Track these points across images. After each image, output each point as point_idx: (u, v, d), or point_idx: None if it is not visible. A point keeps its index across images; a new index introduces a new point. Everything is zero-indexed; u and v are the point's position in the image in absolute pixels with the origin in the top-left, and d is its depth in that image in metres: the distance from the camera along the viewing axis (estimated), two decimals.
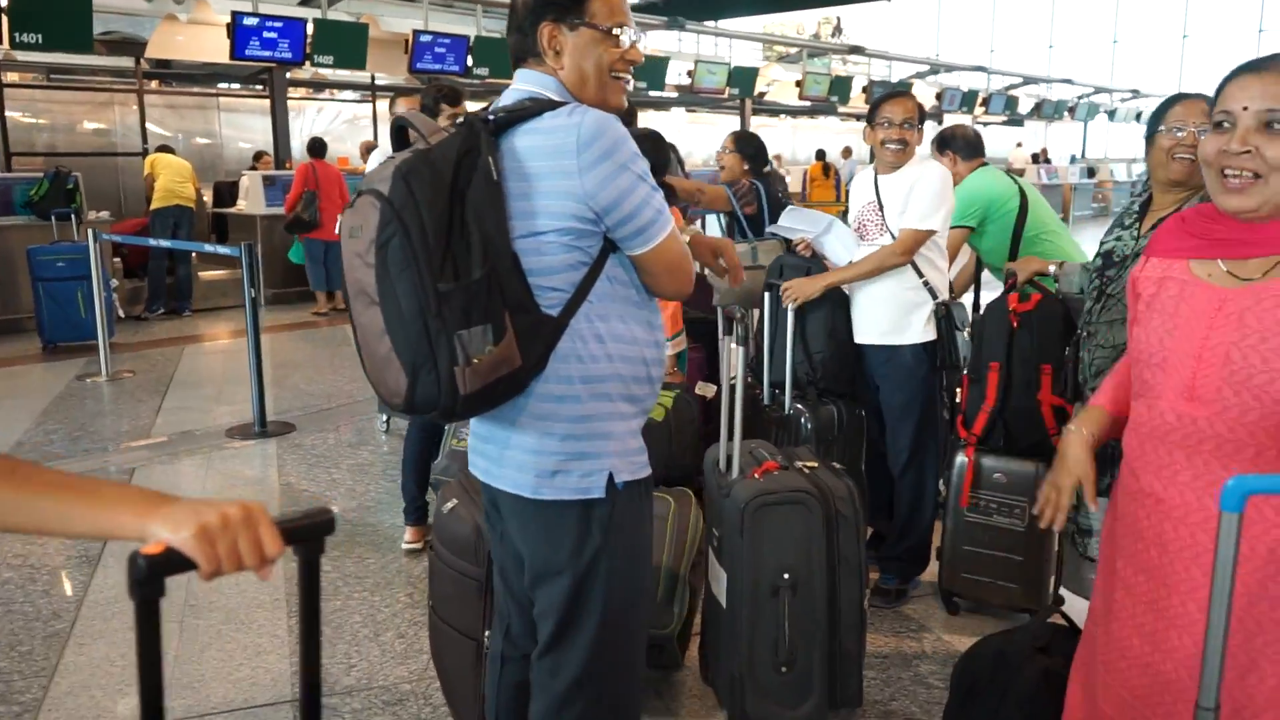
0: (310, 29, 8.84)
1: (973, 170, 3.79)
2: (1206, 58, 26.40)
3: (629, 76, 1.63)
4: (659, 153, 3.22)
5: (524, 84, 1.59)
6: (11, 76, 11.39)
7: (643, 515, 1.61)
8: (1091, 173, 20.88)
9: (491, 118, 1.50)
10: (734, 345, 2.20)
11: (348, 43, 9.14)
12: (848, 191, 9.54)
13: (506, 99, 1.58)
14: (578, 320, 1.50)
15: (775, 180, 4.37)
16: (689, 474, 2.79)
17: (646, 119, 16.85)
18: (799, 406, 3.14)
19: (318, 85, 13.37)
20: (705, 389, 3.42)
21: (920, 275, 3.00)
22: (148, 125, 10.77)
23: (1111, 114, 24.74)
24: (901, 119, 3.02)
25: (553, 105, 1.50)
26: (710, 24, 16.47)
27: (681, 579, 2.48)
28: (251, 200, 9.06)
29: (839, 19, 31.89)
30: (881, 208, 3.09)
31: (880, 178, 3.12)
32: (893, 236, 3.01)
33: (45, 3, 7.31)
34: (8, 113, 9.85)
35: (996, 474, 2.81)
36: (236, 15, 8.36)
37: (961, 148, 3.82)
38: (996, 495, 2.82)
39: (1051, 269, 2.79)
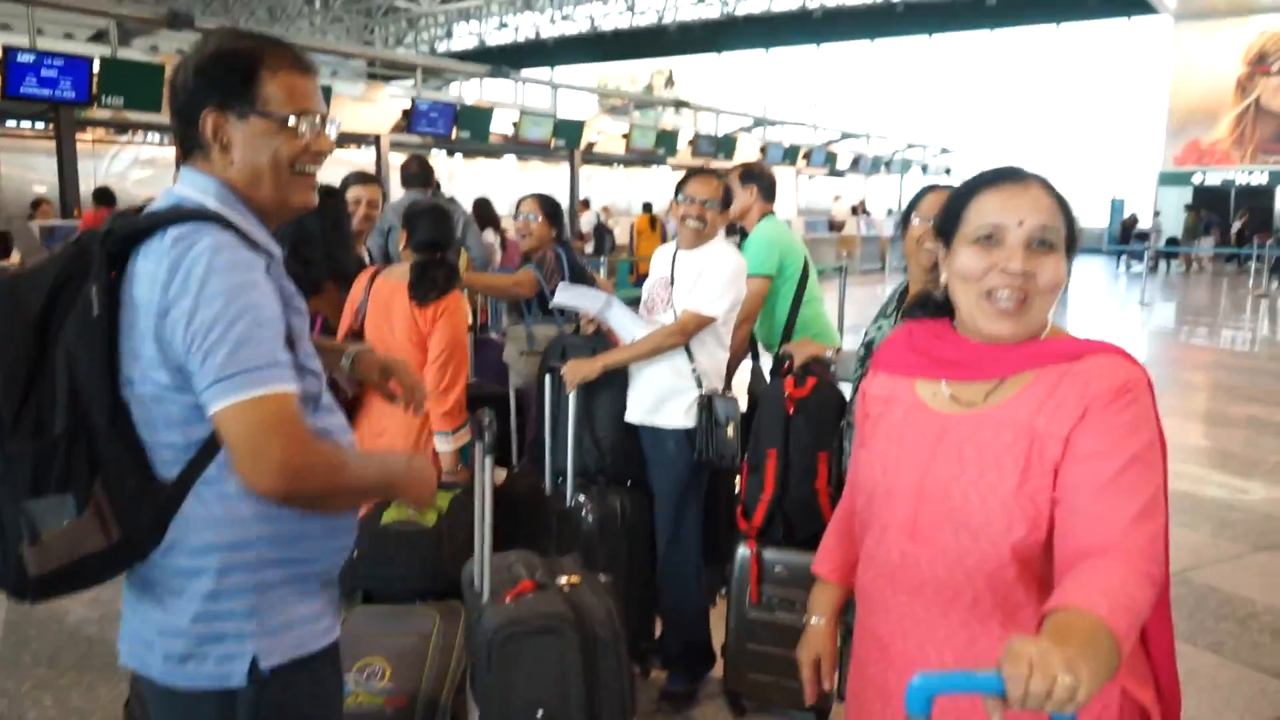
0: (97, 67, 8.22)
1: (765, 214, 3.73)
2: (1006, 118, 28.44)
3: (314, 168, 1.42)
4: (440, 229, 3.02)
5: (181, 186, 1.37)
6: None
7: (314, 700, 1.37)
8: None
9: (109, 232, 1.26)
10: (481, 453, 2.01)
11: (142, 83, 8.54)
12: None
13: (155, 205, 1.34)
14: (208, 480, 1.27)
15: (573, 246, 4.19)
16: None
17: (476, 167, 16.64)
18: (581, 498, 2.98)
19: (119, 126, 12.52)
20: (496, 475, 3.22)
21: (690, 360, 2.91)
22: None
23: (925, 168, 26.19)
24: (704, 198, 2.95)
25: (181, 218, 1.27)
26: (543, 72, 16.44)
27: (442, 708, 2.26)
28: (27, 255, 8.29)
29: (671, 71, 32.70)
30: (672, 283, 3.00)
31: (679, 253, 3.03)
32: (675, 315, 2.92)
33: None
34: None
35: (778, 567, 2.72)
36: (9, 51, 7.68)
37: (765, 186, 3.72)
38: (779, 589, 2.72)
39: (829, 354, 2.75)
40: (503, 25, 33.06)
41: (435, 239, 2.98)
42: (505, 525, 2.39)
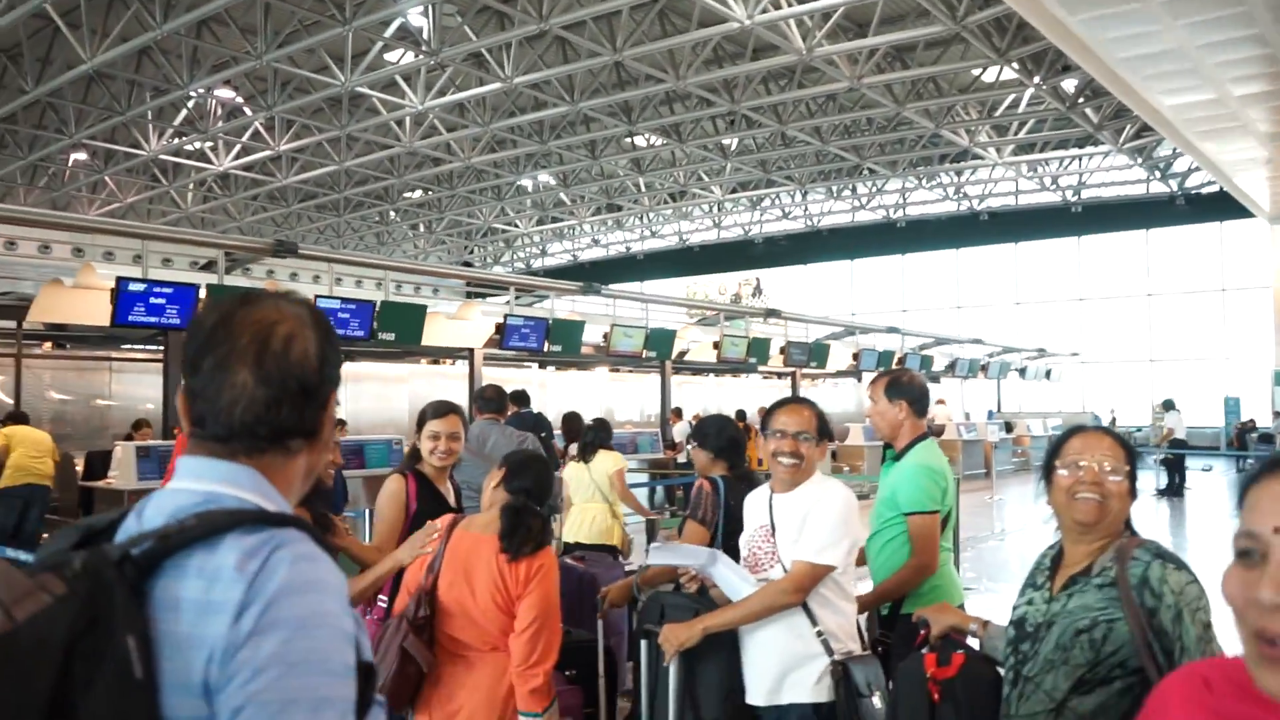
0: (203, 294, 8.45)
1: (919, 435, 3.22)
2: (1101, 319, 27.82)
3: None
4: (543, 480, 2.61)
5: (201, 480, 1.06)
6: None
7: None
8: (1009, 428, 21.14)
9: (125, 559, 0.92)
10: None
11: None
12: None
13: (165, 504, 1.02)
14: None
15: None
16: None
17: (568, 378, 16.70)
18: None
19: None
20: None
21: (814, 622, 2.43)
22: (23, 388, 10.09)
23: (1022, 371, 25.53)
24: (796, 429, 2.58)
25: (239, 522, 0.98)
26: (633, 287, 16.72)
27: None
28: (123, 474, 8.28)
29: (758, 279, 33.34)
30: (774, 533, 2.57)
31: (775, 497, 2.62)
32: (785, 569, 2.48)
33: None
34: None
35: None
36: (121, 281, 7.94)
37: (916, 400, 3.23)
38: None
39: (972, 626, 2.23)
40: (595, 242, 34.45)
41: (533, 488, 2.59)
42: None
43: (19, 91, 16.27)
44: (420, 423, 3.28)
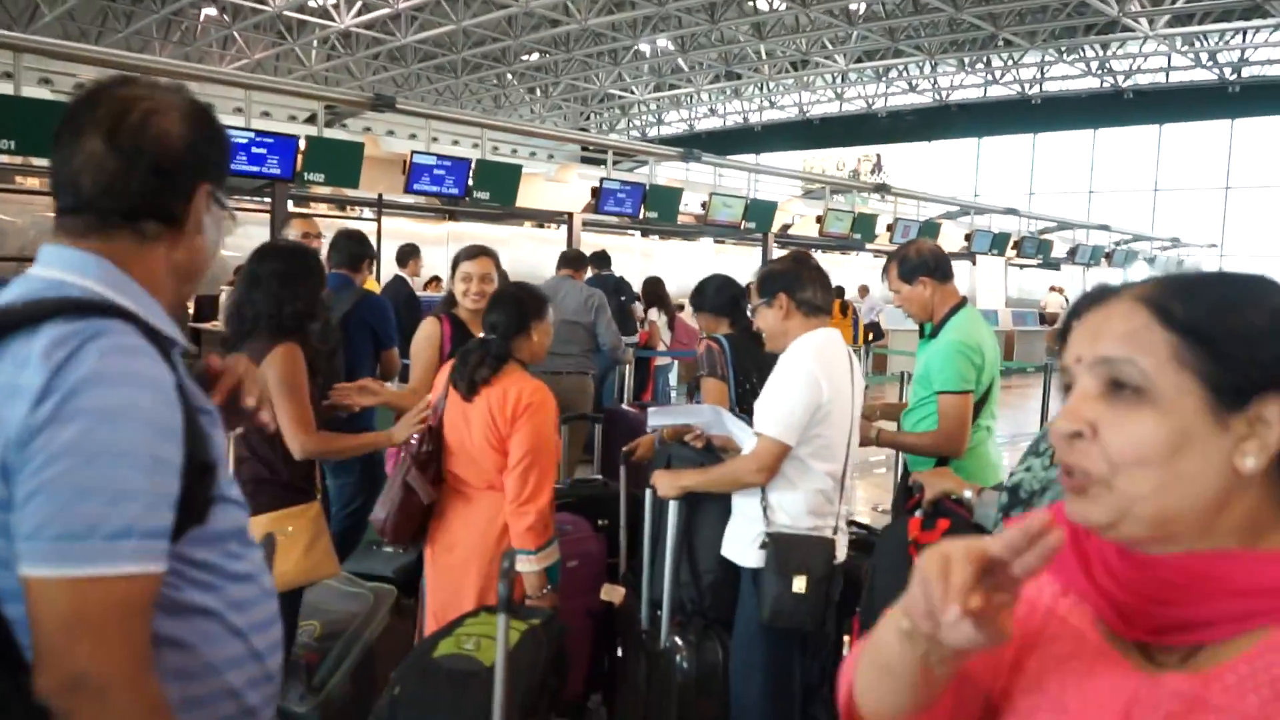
0: (303, 145, 8.66)
1: (954, 304, 3.07)
2: (1248, 209, 25.93)
3: None
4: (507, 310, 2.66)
5: (46, 267, 1.10)
6: (32, 182, 11.46)
7: None
8: None
9: None
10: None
11: (344, 161, 8.95)
12: (866, 330, 8.69)
13: (10, 294, 1.07)
14: None
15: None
16: None
17: (669, 247, 16.63)
18: (677, 640, 2.54)
19: (321, 200, 13.29)
20: (611, 593, 2.83)
21: (762, 492, 2.47)
22: None
23: (1151, 261, 24.18)
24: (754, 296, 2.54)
25: (63, 310, 1.00)
26: (741, 158, 16.34)
27: None
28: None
29: (879, 156, 32.11)
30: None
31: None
32: None
33: (22, 111, 7.19)
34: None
35: None
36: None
37: (935, 267, 3.07)
38: None
39: (968, 494, 2.19)
40: (711, 112, 33.63)
41: (499, 322, 2.61)
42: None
43: None
44: (454, 265, 3.36)
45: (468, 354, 2.59)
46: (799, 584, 2.39)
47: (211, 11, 22.15)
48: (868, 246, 16.80)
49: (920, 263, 3.07)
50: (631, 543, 3.20)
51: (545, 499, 2.48)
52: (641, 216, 11.33)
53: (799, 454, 2.45)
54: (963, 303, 3.11)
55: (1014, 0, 20.29)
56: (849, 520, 2.67)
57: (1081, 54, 25.37)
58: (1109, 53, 25.28)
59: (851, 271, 17.48)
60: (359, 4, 20.59)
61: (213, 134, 1.14)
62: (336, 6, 20.89)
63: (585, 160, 21.74)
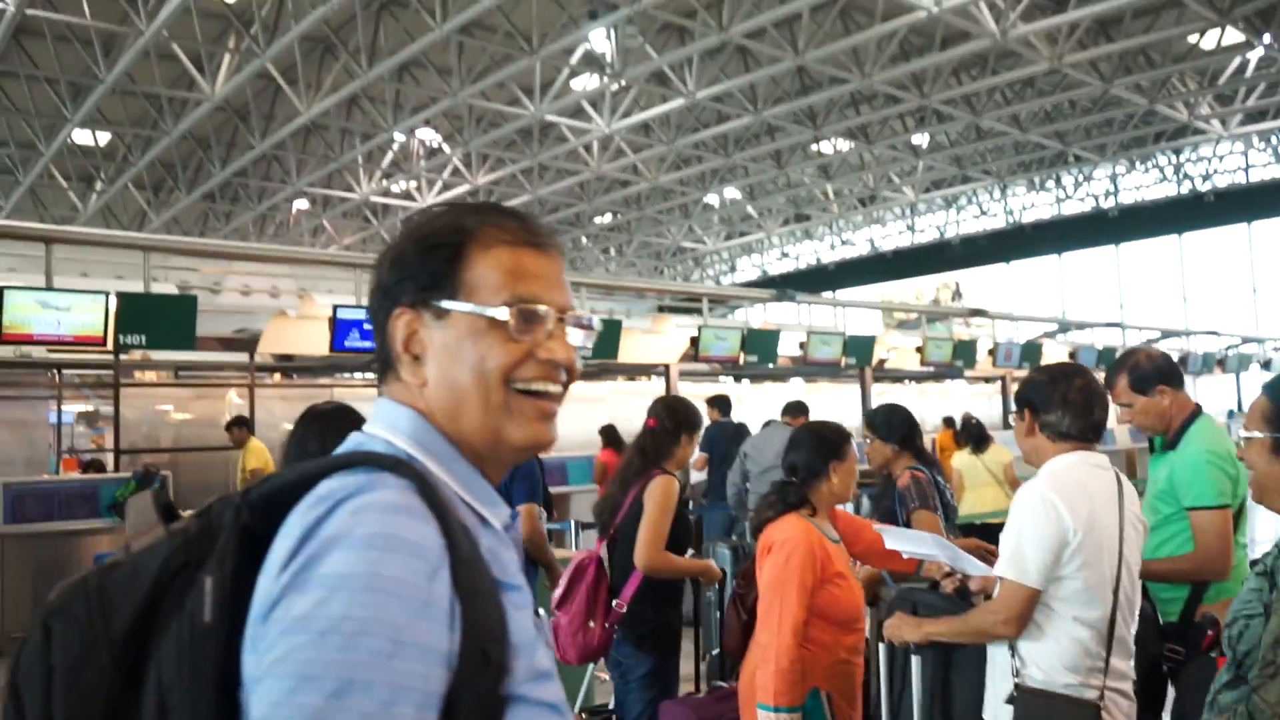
0: None
1: (1189, 411, 2.81)
2: None
3: (550, 386, 0.95)
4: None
5: (370, 424, 0.95)
6: (149, 375, 11.91)
7: None
8: None
9: (246, 494, 0.84)
10: None
11: None
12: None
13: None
14: None
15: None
16: None
17: (763, 391, 16.48)
18: None
19: None
20: None
21: (1011, 646, 2.18)
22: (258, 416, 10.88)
23: (1266, 364, 23.17)
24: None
25: (344, 466, 0.83)
26: (827, 295, 16.34)
27: None
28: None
29: (957, 283, 31.90)
30: None
31: None
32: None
33: (152, 307, 7.47)
34: (128, 411, 10.06)
35: None
36: (336, 309, 8.40)
37: (1169, 374, 2.84)
38: None
39: None
40: (784, 255, 34.06)
41: (796, 462, 2.76)
42: None
43: (248, 148, 17.76)
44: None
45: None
46: None
47: (303, 204, 23.45)
48: (966, 374, 16.41)
49: (1154, 370, 2.83)
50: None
51: (784, 657, 2.25)
52: (741, 361, 11.23)
53: (1046, 599, 2.17)
54: (1199, 410, 2.84)
55: (1080, 118, 20.38)
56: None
57: (1155, 161, 25.22)
58: (1183, 157, 25.09)
59: (951, 402, 17.04)
60: (439, 184, 21.60)
61: (407, 246, 1.01)
62: (419, 188, 21.94)
63: (665, 309, 21.97)
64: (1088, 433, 2.27)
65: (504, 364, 0.93)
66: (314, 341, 8.84)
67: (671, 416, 3.42)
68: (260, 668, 0.76)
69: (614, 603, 3.21)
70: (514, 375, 0.94)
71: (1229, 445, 2.74)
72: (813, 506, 2.65)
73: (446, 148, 19.53)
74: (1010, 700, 2.15)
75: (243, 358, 10.82)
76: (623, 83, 16.00)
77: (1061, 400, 2.26)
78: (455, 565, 0.82)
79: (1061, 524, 2.13)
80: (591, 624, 3.15)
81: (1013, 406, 2.45)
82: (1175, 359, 13.57)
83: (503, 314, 0.92)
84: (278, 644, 0.75)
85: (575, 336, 0.99)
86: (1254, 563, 1.70)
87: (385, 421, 0.95)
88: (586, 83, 16.73)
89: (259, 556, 0.80)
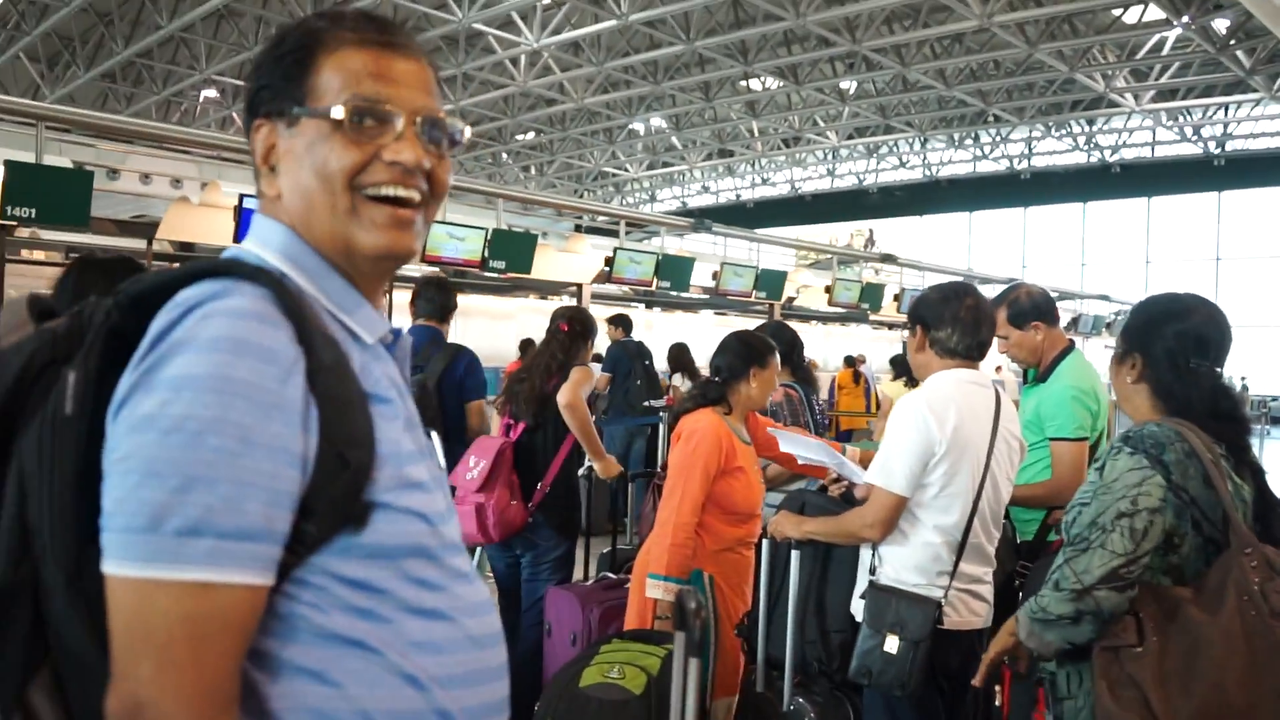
0: None
1: (1061, 348, 2.98)
2: (1238, 278, 26.22)
3: (406, 193, 0.93)
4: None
5: (247, 239, 0.94)
6: (38, 255, 11.34)
7: None
8: None
9: (118, 298, 0.83)
10: (682, 651, 1.45)
11: None
12: (877, 400, 8.76)
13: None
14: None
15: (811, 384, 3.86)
16: None
17: (673, 320, 16.61)
18: (801, 701, 2.34)
19: None
20: None
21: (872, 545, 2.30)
22: None
23: None
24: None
25: (208, 273, 0.83)
26: (741, 230, 16.44)
27: None
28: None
29: (871, 230, 32.45)
30: None
31: None
32: None
33: (44, 180, 7.10)
34: (12, 292, 9.61)
35: None
36: (242, 197, 8.13)
37: (1045, 311, 3.00)
38: None
39: None
40: (705, 189, 34.07)
41: (719, 364, 2.92)
42: None
43: (155, 27, 16.83)
44: None
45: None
46: (891, 644, 2.21)
47: (211, 93, 22.40)
48: (872, 318, 16.81)
49: (1032, 306, 2.97)
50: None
51: (676, 524, 2.40)
52: (654, 287, 11.28)
53: (912, 506, 2.29)
54: (1071, 346, 3.00)
55: (1003, 78, 20.75)
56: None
57: (1069, 129, 25.90)
58: (1095, 128, 25.82)
59: (857, 342, 17.46)
60: None
61: (264, 57, 0.98)
62: None
63: (582, 230, 21.85)
64: (973, 350, 2.38)
65: (345, 166, 0.90)
66: (217, 231, 8.55)
67: (580, 322, 3.64)
68: (107, 466, 0.77)
69: (538, 485, 3.37)
70: (360, 180, 0.91)
71: (1095, 381, 2.92)
72: (729, 405, 2.79)
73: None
74: (862, 595, 2.28)
75: (140, 244, 10.40)
76: None
77: (952, 318, 2.36)
78: (314, 372, 0.83)
79: (929, 435, 2.25)
80: (514, 503, 3.29)
81: None
82: (1068, 320, 14.15)
83: (339, 113, 0.90)
84: (123, 442, 0.77)
85: (427, 133, 0.96)
86: (1096, 459, 1.85)
87: (257, 236, 0.94)
88: None
89: (126, 356, 0.80)
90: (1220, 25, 16.77)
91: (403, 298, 4.59)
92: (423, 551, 0.91)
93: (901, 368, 8.26)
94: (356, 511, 0.85)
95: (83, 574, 0.77)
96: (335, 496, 0.83)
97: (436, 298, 3.97)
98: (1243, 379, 23.44)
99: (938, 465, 2.27)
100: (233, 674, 0.78)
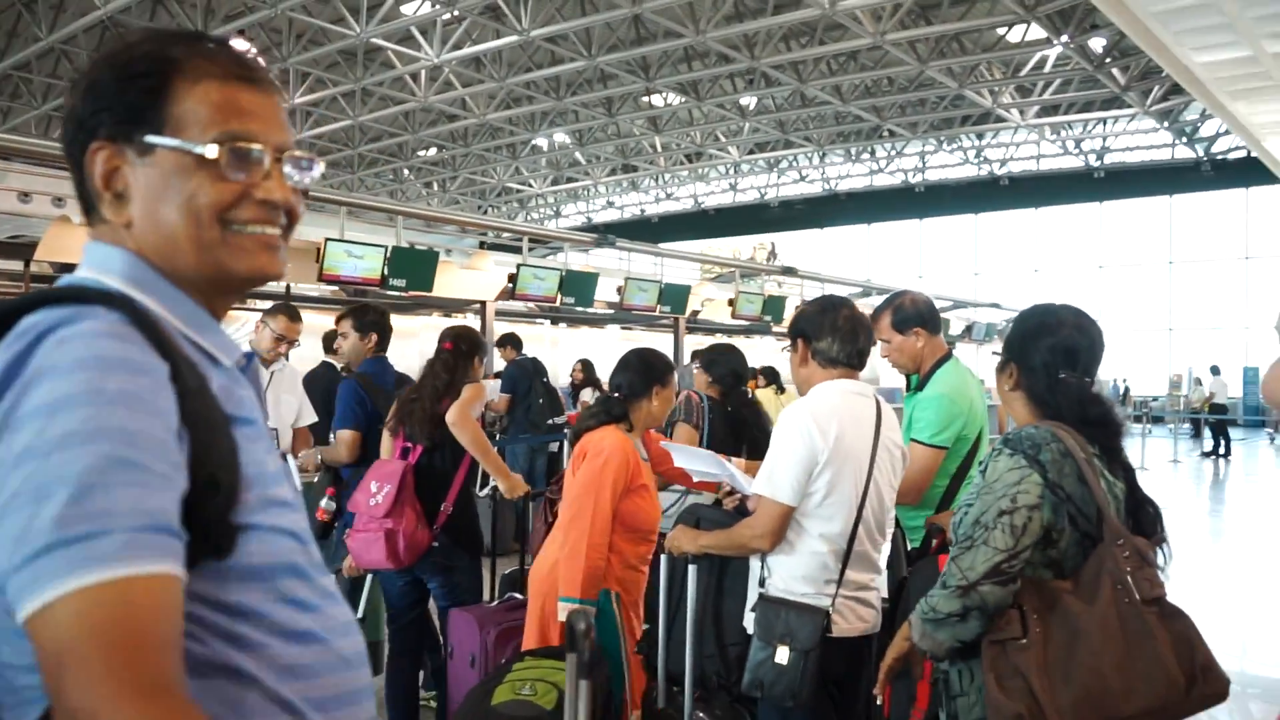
0: None
1: (940, 355, 3.05)
2: (1120, 284, 27.48)
3: (271, 230, 0.93)
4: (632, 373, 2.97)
5: (81, 268, 0.92)
6: None
7: None
8: None
9: None
10: (573, 672, 1.45)
11: None
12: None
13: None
14: None
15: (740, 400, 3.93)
16: None
17: (579, 335, 16.59)
18: (702, 715, 2.36)
19: None
20: None
21: (761, 557, 2.34)
22: None
23: None
24: None
25: (51, 300, 0.81)
26: (645, 244, 16.55)
27: None
28: None
29: (773, 244, 33.02)
30: None
31: None
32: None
33: None
34: None
35: None
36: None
37: (928, 319, 3.07)
38: None
39: None
40: (609, 205, 34.19)
41: (621, 381, 2.96)
42: None
43: (34, 39, 16.14)
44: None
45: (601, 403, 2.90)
46: (782, 654, 2.25)
47: None
48: (774, 329, 17.07)
49: (915, 313, 3.04)
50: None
51: (581, 560, 2.38)
52: (559, 303, 11.26)
53: (799, 516, 2.33)
54: (949, 355, 3.09)
55: (897, 94, 21.38)
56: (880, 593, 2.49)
57: (960, 143, 26.82)
58: (984, 142, 26.80)
59: (760, 357, 17.71)
60: None
61: (104, 75, 0.94)
62: None
63: (486, 246, 21.69)
64: (854, 358, 2.45)
65: (216, 202, 0.90)
66: None
67: (466, 341, 3.64)
68: None
69: (441, 506, 3.36)
70: (228, 216, 0.92)
71: (969, 388, 3.02)
72: (630, 423, 2.82)
73: (263, 61, 18.38)
74: (753, 608, 2.31)
75: (16, 265, 9.95)
76: (455, 12, 15.53)
77: (831, 327, 2.43)
78: (181, 395, 0.81)
79: (813, 444, 2.30)
80: (420, 528, 3.24)
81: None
82: (962, 328, 14.60)
83: (212, 151, 0.89)
84: (5, 485, 0.73)
85: (294, 176, 0.97)
86: (980, 462, 1.93)
87: (95, 264, 0.91)
88: (417, 8, 16.12)
89: None
90: (1096, 44, 17.61)
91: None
92: (295, 570, 0.90)
93: (771, 375, 8.63)
94: (226, 533, 0.83)
95: None
96: (208, 520, 0.81)
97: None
98: (1124, 381, 24.54)
99: (821, 473, 2.31)
100: (174, 665, 0.74)
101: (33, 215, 11.09)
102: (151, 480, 0.75)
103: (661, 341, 15.95)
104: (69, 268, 9.67)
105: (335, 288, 10.15)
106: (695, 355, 3.97)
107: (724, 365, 3.82)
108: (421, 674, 3.61)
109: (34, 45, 16.28)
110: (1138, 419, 17.55)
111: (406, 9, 16.06)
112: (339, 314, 4.25)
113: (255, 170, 0.92)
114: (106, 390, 0.76)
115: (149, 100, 0.90)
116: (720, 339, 18.87)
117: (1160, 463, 15.67)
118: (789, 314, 15.52)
